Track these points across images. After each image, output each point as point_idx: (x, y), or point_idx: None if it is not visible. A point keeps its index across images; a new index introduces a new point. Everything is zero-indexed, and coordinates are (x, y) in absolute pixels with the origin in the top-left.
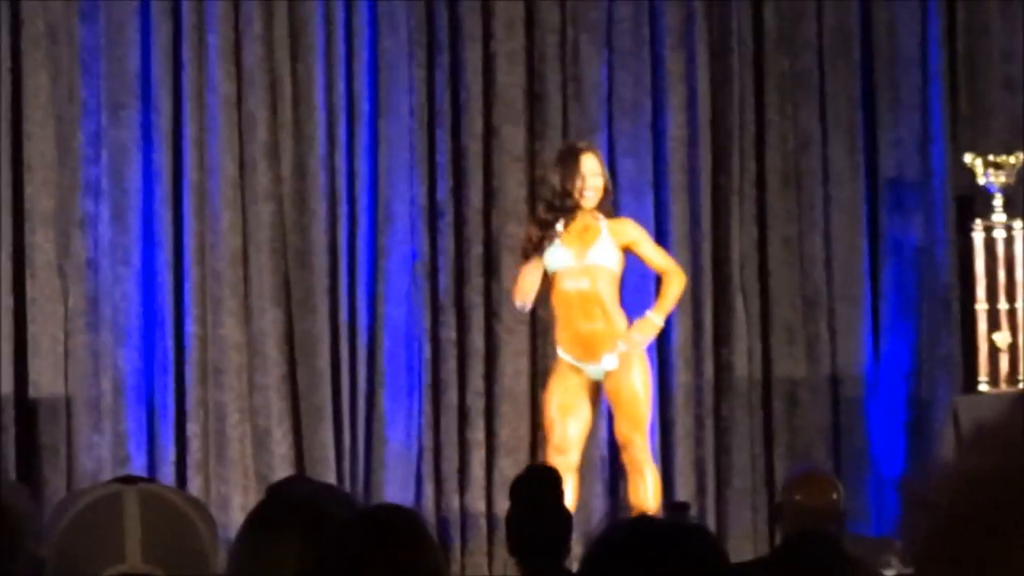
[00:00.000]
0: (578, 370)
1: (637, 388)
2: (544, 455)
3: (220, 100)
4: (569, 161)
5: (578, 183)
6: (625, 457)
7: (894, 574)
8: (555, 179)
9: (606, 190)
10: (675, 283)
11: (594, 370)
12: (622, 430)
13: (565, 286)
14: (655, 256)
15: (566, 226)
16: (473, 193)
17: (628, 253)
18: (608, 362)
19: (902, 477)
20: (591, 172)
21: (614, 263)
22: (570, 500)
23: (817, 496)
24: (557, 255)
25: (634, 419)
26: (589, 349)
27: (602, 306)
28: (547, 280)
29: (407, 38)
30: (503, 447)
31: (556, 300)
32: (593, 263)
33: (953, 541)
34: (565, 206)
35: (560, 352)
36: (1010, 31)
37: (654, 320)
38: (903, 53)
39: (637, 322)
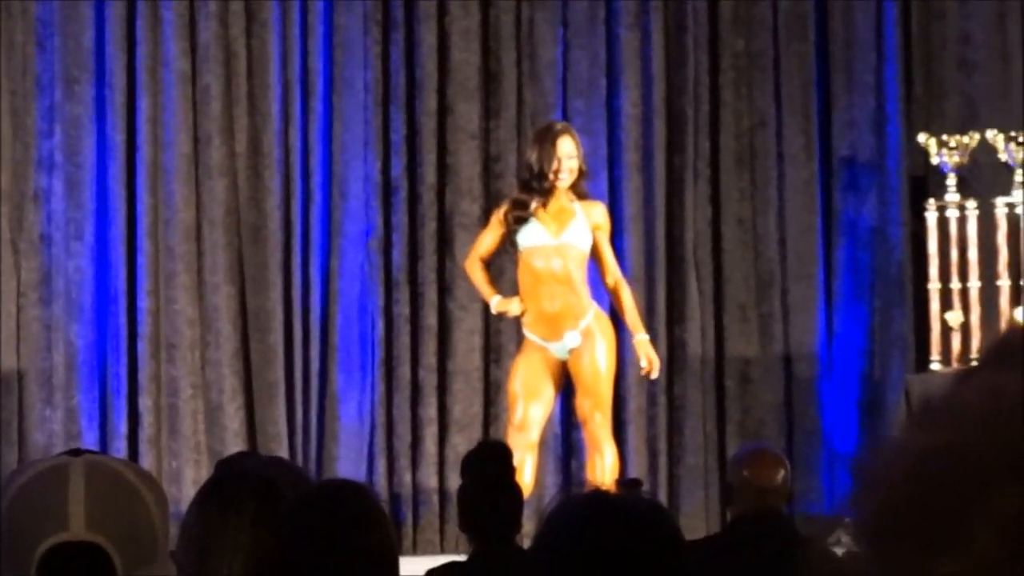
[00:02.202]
0: (543, 349)
1: (600, 366)
2: (503, 432)
3: (175, 76)
4: (546, 142)
5: (554, 164)
6: (585, 433)
7: (846, 552)
8: (532, 159)
9: (581, 172)
10: (628, 293)
11: (558, 348)
12: (583, 407)
13: (537, 264)
14: (609, 252)
15: (542, 206)
16: (427, 170)
17: None
18: (571, 339)
19: (853, 455)
20: (567, 154)
21: (587, 244)
22: (529, 478)
23: (764, 473)
24: (532, 233)
25: (595, 396)
26: (554, 327)
27: (572, 285)
28: (513, 258)
29: (362, 15)
30: (456, 424)
31: (525, 277)
32: (567, 243)
33: (901, 518)
34: (541, 187)
35: (526, 332)
36: (965, 13)
37: (645, 340)
38: (858, 34)
39: (642, 350)
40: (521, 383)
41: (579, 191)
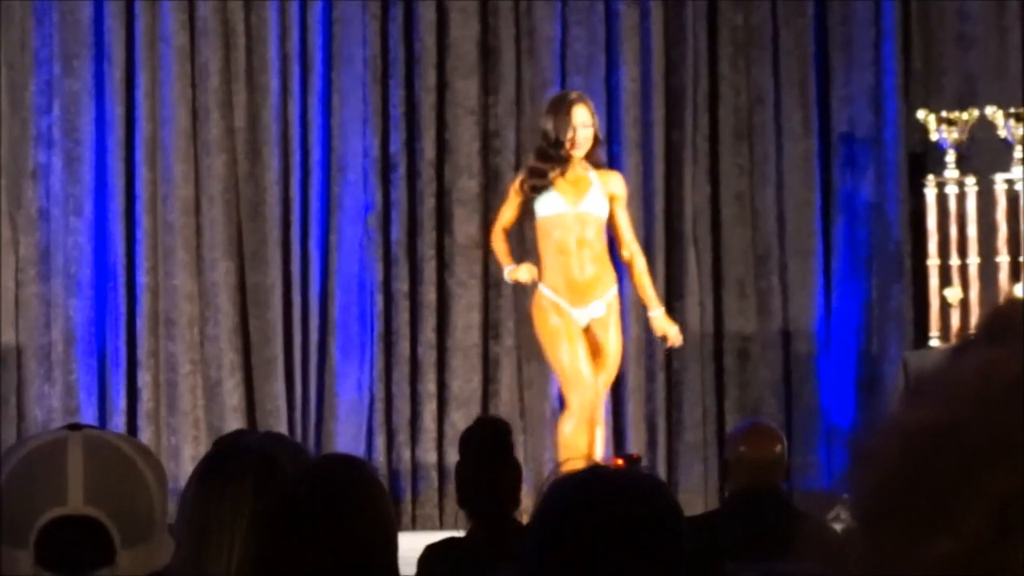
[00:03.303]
0: (561, 310)
1: (616, 345)
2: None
3: (173, 50)
4: (561, 111)
5: (569, 133)
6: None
7: (843, 528)
8: (547, 128)
9: (596, 140)
10: (641, 262)
11: (581, 315)
12: (600, 382)
13: (556, 233)
14: (626, 221)
15: (560, 175)
16: (426, 146)
17: None
18: (596, 308)
19: (850, 431)
20: (582, 123)
21: (604, 212)
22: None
23: (761, 448)
24: (550, 202)
25: (609, 372)
26: (583, 295)
27: (596, 253)
28: (531, 226)
29: None
30: (454, 399)
31: (548, 247)
32: (585, 211)
33: (894, 497)
34: (558, 155)
35: (547, 292)
36: None
37: (660, 314)
38: (856, 10)
39: (657, 324)
40: (571, 351)
41: (595, 160)
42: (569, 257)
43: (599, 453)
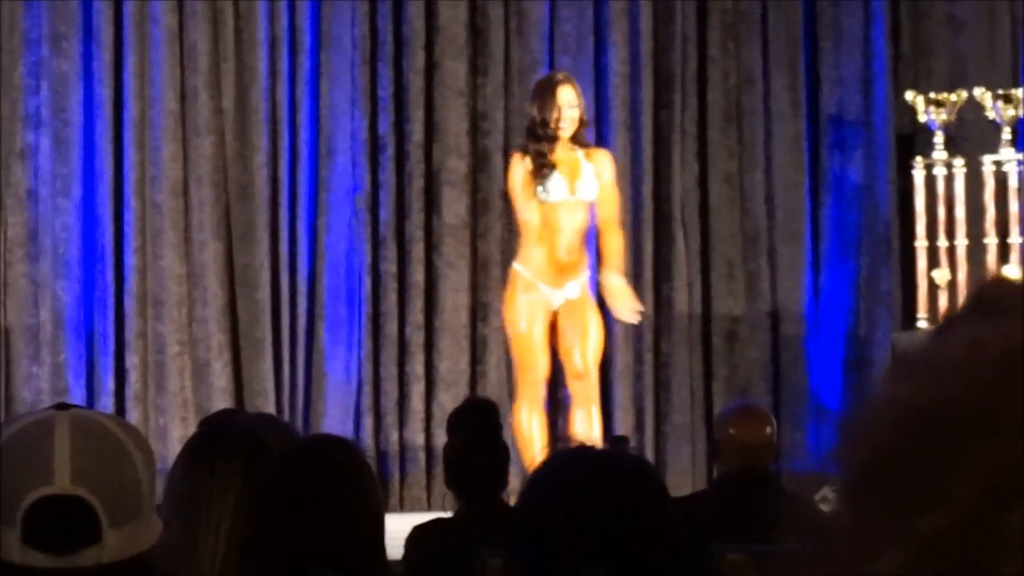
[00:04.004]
0: (535, 289)
1: (597, 323)
2: (514, 383)
3: (162, 32)
4: (546, 93)
5: (555, 114)
6: (578, 387)
7: (831, 509)
8: (533, 110)
9: (582, 121)
10: (619, 239)
11: (556, 295)
12: (586, 359)
13: (559, 218)
14: (611, 201)
15: (548, 156)
16: (415, 127)
17: None
18: (571, 290)
19: (840, 410)
20: (568, 103)
21: (595, 195)
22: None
23: (751, 430)
24: (556, 187)
25: (596, 351)
26: (562, 275)
27: (582, 237)
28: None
29: None
30: (442, 381)
31: (540, 227)
32: (582, 198)
33: (882, 473)
34: (546, 135)
35: (522, 271)
36: None
37: (620, 281)
38: None
39: (612, 288)
40: (527, 332)
41: (581, 140)
42: (558, 239)
43: (596, 432)
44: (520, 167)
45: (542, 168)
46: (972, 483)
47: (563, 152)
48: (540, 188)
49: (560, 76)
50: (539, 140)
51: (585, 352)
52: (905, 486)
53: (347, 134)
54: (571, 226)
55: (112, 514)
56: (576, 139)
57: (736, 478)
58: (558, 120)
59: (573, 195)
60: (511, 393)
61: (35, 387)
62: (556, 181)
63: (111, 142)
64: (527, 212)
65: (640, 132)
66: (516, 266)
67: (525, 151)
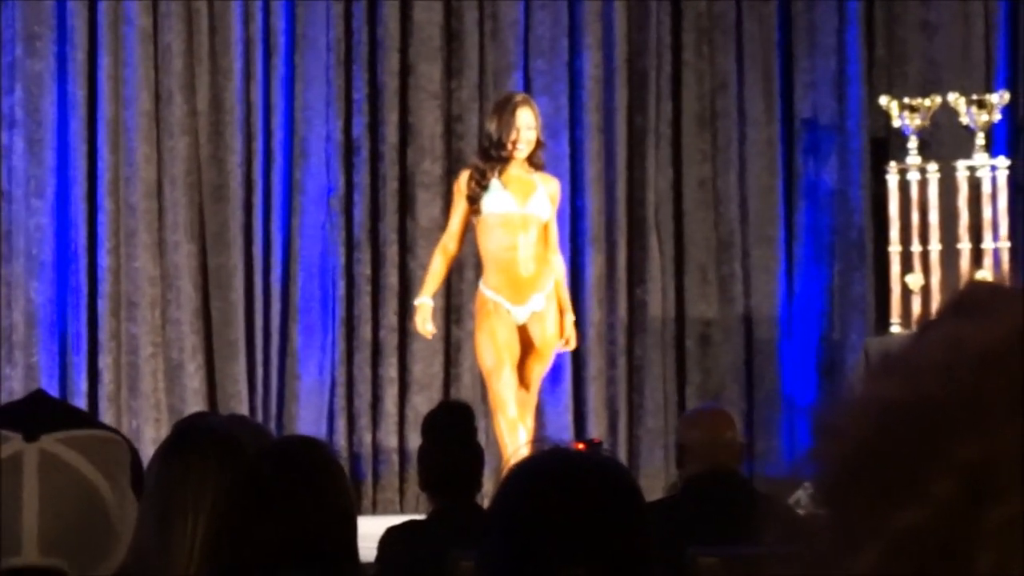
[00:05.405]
0: (502, 310)
1: (553, 334)
2: (492, 401)
3: (136, 32)
4: (505, 113)
5: (512, 135)
6: (526, 398)
7: (805, 511)
8: (491, 129)
9: (539, 143)
10: (563, 271)
11: (521, 312)
12: (535, 371)
13: (503, 232)
14: (554, 227)
15: (500, 175)
16: (389, 129)
17: None
18: (536, 302)
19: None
20: (526, 125)
21: (547, 215)
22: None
23: (714, 432)
24: (498, 200)
25: (546, 364)
26: (524, 292)
27: (538, 252)
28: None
29: None
30: (416, 383)
31: (492, 246)
32: (532, 212)
33: (859, 472)
34: (499, 155)
35: (489, 293)
36: None
37: (571, 318)
38: None
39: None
40: (496, 356)
41: (535, 162)
42: (515, 255)
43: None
44: (464, 182)
45: (479, 185)
46: (951, 478)
47: (517, 170)
48: (481, 196)
49: (519, 97)
50: (488, 159)
51: (531, 371)
52: (883, 482)
53: (321, 136)
54: (526, 242)
55: (82, 567)
56: (531, 160)
57: (705, 481)
58: (515, 141)
59: (523, 207)
60: (484, 396)
61: (8, 388)
62: (498, 194)
63: (85, 143)
64: (453, 223)
65: (614, 136)
66: (481, 287)
67: (474, 168)
